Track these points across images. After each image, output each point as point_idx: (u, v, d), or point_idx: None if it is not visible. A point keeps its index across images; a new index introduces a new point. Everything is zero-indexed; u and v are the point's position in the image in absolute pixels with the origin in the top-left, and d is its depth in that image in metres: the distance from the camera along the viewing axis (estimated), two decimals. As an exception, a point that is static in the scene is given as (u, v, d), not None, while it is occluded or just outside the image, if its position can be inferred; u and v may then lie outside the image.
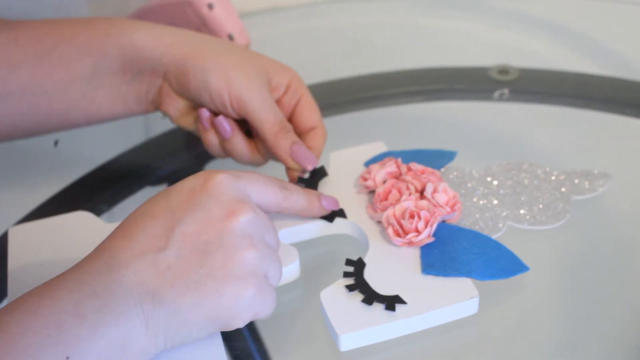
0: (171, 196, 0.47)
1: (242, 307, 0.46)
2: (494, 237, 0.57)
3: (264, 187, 0.52)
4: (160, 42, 0.61)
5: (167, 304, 0.44)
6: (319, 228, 0.58)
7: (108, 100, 0.62)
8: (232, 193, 0.48)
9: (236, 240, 0.46)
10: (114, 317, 0.43)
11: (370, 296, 0.51)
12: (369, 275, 0.52)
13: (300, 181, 0.60)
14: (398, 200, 0.56)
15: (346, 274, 0.53)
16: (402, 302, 0.50)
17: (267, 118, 0.59)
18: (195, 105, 0.62)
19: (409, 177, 0.58)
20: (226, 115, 0.61)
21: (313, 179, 0.60)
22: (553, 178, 0.62)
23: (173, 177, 0.70)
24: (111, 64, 0.61)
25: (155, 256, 0.45)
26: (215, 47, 0.61)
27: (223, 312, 0.46)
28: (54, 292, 0.43)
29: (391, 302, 0.50)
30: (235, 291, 0.46)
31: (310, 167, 0.60)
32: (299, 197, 0.55)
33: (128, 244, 0.45)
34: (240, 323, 0.47)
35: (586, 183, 0.61)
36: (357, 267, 0.53)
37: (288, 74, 0.62)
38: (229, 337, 0.51)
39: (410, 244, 0.54)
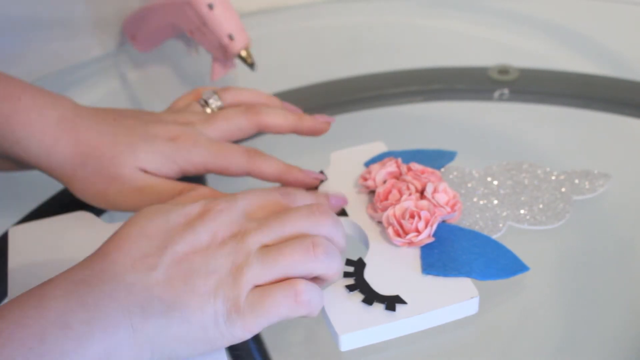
0: (170, 219, 0.47)
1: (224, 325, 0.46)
2: (494, 237, 0.57)
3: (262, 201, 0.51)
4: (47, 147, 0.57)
5: (156, 318, 0.44)
6: (319, 228, 0.58)
7: None
8: (227, 219, 0.48)
9: (219, 262, 0.46)
10: (102, 330, 0.42)
11: (371, 296, 0.51)
12: (369, 275, 0.52)
13: None
14: (398, 200, 0.56)
15: (346, 274, 0.53)
16: (402, 302, 0.50)
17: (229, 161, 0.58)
18: None
19: (409, 177, 0.58)
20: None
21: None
22: (553, 178, 0.62)
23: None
24: None
25: (147, 274, 0.45)
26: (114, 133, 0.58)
27: (210, 330, 0.45)
28: (40, 300, 0.42)
29: (391, 302, 0.50)
30: (218, 309, 0.45)
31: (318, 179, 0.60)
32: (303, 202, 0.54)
33: (122, 258, 0.45)
34: (221, 343, 0.46)
35: (586, 183, 0.61)
36: (357, 267, 0.53)
37: None
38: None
39: (411, 244, 0.54)
